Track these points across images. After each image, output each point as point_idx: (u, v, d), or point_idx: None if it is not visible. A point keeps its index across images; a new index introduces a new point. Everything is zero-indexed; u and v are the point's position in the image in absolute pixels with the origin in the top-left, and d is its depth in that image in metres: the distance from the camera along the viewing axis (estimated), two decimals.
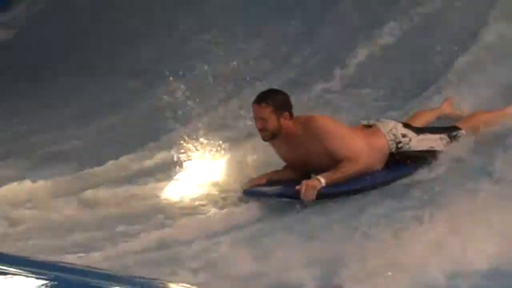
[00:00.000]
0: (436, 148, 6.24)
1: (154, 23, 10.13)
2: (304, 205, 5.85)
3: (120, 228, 5.87)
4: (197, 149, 6.80)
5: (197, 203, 6.33)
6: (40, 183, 6.70)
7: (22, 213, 6.20)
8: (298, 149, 6.04)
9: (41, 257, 3.95)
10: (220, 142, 6.80)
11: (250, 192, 6.18)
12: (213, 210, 6.15)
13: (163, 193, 6.52)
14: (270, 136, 6.06)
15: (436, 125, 6.68)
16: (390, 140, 6.20)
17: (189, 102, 7.43)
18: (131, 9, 10.43)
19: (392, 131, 6.23)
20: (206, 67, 8.28)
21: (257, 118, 6.03)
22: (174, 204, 6.36)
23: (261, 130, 6.04)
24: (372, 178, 6.00)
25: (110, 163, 7.06)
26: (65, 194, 6.55)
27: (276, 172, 6.26)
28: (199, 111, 7.60)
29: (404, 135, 6.25)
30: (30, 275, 2.99)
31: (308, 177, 5.99)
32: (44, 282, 2.95)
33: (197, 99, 7.51)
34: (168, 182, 6.65)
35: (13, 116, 8.75)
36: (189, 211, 6.19)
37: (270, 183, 6.17)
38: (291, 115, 6.03)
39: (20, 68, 9.87)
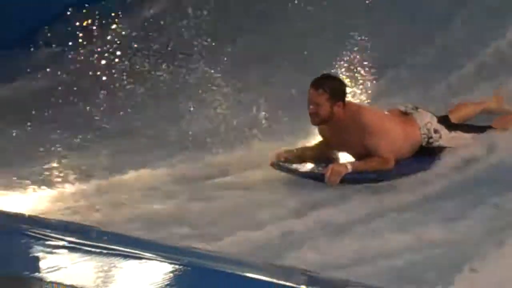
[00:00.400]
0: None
1: None
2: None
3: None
4: None
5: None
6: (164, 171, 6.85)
7: (147, 200, 6.36)
8: (341, 135, 6.12)
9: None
10: None
11: (279, 166, 6.25)
12: None
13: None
14: (320, 121, 6.12)
15: (474, 122, 6.61)
16: (423, 134, 6.23)
17: None
18: None
19: (427, 125, 6.25)
20: None
21: (311, 103, 6.05)
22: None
23: (312, 114, 6.07)
24: (397, 168, 6.05)
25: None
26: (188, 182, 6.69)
27: (308, 147, 6.35)
28: None
29: (436, 131, 6.25)
30: (163, 260, 3.10)
31: (336, 160, 6.18)
32: (177, 267, 3.06)
33: None
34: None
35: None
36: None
37: (299, 159, 6.24)
38: (344, 104, 6.08)
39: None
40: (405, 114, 6.32)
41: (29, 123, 7.98)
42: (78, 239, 3.29)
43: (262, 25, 9.19)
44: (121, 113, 8.02)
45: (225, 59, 8.36)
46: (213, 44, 8.60)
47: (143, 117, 7.97)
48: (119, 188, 6.42)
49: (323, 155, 6.26)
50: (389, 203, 5.75)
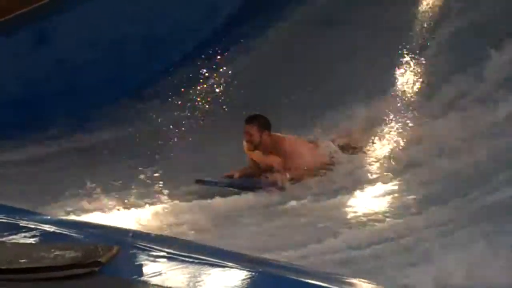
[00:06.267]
0: None
1: None
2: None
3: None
4: None
5: None
6: None
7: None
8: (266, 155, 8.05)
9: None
10: None
11: (202, 182, 8.02)
12: None
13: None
14: (254, 147, 8.08)
15: None
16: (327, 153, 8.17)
17: None
18: None
19: (329, 147, 8.23)
20: None
21: (247, 134, 8.04)
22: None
23: (248, 141, 8.07)
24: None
25: None
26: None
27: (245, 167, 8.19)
28: None
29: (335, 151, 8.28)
30: (242, 268, 3.78)
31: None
32: (254, 274, 3.73)
33: None
34: None
35: None
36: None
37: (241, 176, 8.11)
38: (269, 133, 8.04)
39: None
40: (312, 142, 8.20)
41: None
42: (175, 250, 3.98)
43: None
44: None
45: None
46: None
47: None
48: None
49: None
50: None
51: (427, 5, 10.68)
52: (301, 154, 8.04)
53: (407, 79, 9.77)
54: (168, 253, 3.89)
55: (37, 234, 4.14)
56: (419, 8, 10.69)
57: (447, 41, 10.22)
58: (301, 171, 7.98)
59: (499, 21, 9.98)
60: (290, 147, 8.04)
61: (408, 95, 9.51)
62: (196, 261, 3.79)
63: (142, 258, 3.88)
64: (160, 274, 3.69)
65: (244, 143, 8.19)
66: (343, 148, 8.33)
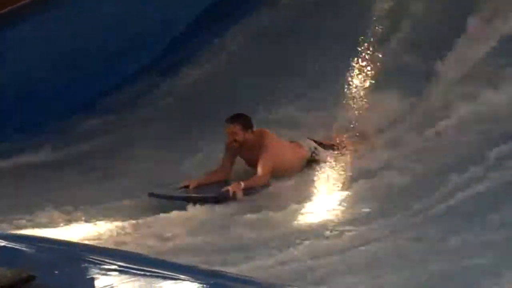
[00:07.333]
0: None
1: None
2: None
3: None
4: None
5: None
6: None
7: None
8: (249, 152, 8.25)
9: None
10: None
11: (155, 195, 7.97)
12: None
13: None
14: (238, 146, 8.20)
15: None
16: (309, 149, 8.55)
17: None
18: None
19: (310, 144, 8.57)
20: None
21: (230, 134, 8.20)
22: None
23: (231, 142, 8.22)
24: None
25: None
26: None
27: (207, 176, 8.32)
28: None
29: (316, 148, 8.62)
30: (194, 281, 3.80)
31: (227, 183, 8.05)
32: (205, 286, 3.75)
33: None
34: None
35: None
36: None
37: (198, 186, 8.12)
38: (252, 131, 8.26)
39: None
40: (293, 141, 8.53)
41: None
42: (126, 263, 3.98)
43: None
44: None
45: None
46: None
47: None
48: None
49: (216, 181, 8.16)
50: None
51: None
52: (284, 148, 8.35)
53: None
54: (119, 266, 3.90)
55: None
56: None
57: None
58: (285, 165, 8.26)
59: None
60: (273, 140, 8.29)
61: None
62: (148, 273, 3.81)
63: (94, 272, 3.89)
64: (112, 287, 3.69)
65: (225, 144, 8.33)
66: (324, 146, 8.67)
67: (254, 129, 8.37)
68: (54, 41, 10.68)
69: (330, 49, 10.40)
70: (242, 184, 7.95)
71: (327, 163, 8.49)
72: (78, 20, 10.87)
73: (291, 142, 8.60)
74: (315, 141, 8.69)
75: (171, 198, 8.00)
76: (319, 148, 8.60)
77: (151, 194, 8.01)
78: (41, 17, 10.74)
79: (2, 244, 4.24)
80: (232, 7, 11.72)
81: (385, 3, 10.93)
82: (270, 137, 8.31)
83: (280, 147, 8.30)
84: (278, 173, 8.25)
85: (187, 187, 8.15)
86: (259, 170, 8.13)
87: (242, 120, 8.31)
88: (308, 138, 8.71)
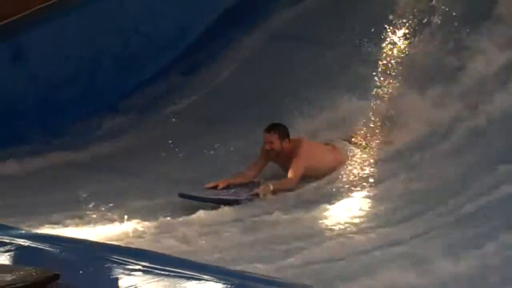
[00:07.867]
0: None
1: None
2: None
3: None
4: None
5: None
6: None
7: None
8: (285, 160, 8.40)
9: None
10: None
11: (185, 196, 7.97)
12: None
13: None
14: (275, 154, 8.41)
15: None
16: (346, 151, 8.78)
17: None
18: None
19: (346, 147, 8.76)
20: None
21: (267, 142, 8.39)
22: None
23: (269, 150, 8.41)
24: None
25: None
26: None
27: (235, 177, 8.41)
28: None
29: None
30: (217, 281, 3.81)
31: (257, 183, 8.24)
32: (229, 286, 3.76)
33: None
34: None
35: None
36: None
37: (227, 186, 8.20)
38: (289, 140, 8.46)
39: None
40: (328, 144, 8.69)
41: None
42: (150, 263, 4.00)
43: None
44: None
45: None
46: None
47: None
48: None
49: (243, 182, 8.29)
50: None
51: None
52: (320, 153, 8.57)
53: None
54: (143, 266, 3.92)
55: (12, 248, 4.14)
56: None
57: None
58: (321, 170, 8.46)
59: None
60: (309, 147, 8.50)
61: None
62: (172, 274, 3.83)
63: (118, 272, 3.91)
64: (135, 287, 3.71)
65: (261, 150, 8.52)
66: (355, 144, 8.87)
67: (291, 137, 8.57)
68: (76, 43, 10.72)
69: (347, 51, 10.37)
70: (271, 186, 8.14)
71: (354, 163, 8.50)
72: (99, 22, 10.91)
73: (326, 144, 8.78)
74: (347, 140, 8.84)
75: (202, 200, 7.99)
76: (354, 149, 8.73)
77: (182, 195, 8.01)
78: (62, 19, 10.78)
79: (27, 244, 4.27)
80: (249, 11, 11.73)
81: (406, 4, 10.86)
82: (306, 145, 8.55)
83: (313, 154, 8.51)
84: (308, 177, 8.44)
85: (215, 187, 8.16)
86: (290, 174, 8.35)
87: (280, 129, 8.56)
88: (339, 138, 8.89)
